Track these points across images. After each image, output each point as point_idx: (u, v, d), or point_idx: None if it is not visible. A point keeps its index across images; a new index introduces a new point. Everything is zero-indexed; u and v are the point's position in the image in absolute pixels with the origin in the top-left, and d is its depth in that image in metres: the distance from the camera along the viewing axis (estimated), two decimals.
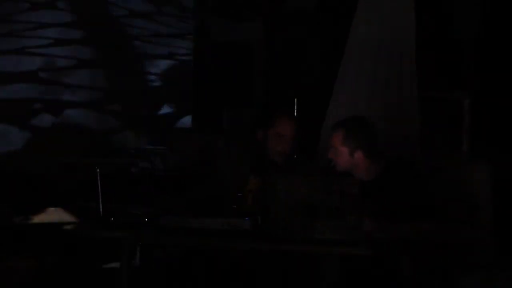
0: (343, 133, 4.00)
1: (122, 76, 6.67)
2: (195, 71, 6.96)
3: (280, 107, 4.86)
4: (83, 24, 6.41)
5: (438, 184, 4.94)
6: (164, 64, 6.96)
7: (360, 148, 3.98)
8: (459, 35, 6.12)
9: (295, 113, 5.78)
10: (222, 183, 4.41)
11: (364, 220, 3.60)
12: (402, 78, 5.01)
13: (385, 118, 4.94)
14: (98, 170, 3.98)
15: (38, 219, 4.84)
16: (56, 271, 4.58)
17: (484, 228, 4.72)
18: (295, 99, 5.82)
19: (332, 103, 5.12)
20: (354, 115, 4.43)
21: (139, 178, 5.44)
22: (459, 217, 4.79)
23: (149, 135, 6.62)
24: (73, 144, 6.09)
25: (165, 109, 6.95)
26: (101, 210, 3.94)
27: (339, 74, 5.13)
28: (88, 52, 6.46)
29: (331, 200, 3.55)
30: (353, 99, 5.07)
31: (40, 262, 4.59)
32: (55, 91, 6.27)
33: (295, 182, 3.62)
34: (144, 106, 6.79)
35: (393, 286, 3.76)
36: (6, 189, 5.29)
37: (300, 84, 6.25)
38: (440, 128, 5.59)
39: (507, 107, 5.75)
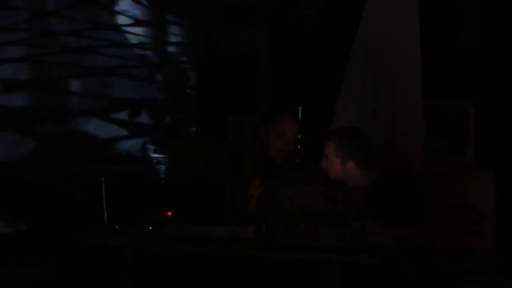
0: (335, 144, 4.04)
1: (127, 85, 6.68)
2: (199, 79, 6.97)
3: (283, 107, 4.92)
4: (88, 32, 6.42)
5: (442, 191, 4.95)
6: (168, 72, 6.96)
7: (351, 159, 4.03)
8: (463, 42, 6.12)
9: (299, 119, 5.79)
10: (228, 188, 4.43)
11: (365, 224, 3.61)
12: (406, 85, 5.00)
13: (389, 125, 4.95)
14: (102, 178, 3.99)
15: (43, 226, 4.84)
16: (60, 279, 4.58)
17: (488, 235, 4.72)
18: (300, 107, 5.82)
19: (337, 111, 5.12)
20: (346, 125, 4.47)
21: (143, 186, 5.44)
22: (464, 224, 4.79)
23: (154, 143, 6.62)
24: (78, 152, 6.10)
25: (170, 117, 6.96)
26: (105, 217, 3.95)
27: (344, 81, 5.13)
28: (92, 60, 6.47)
29: (334, 208, 3.56)
30: (357, 107, 5.07)
31: (44, 270, 4.59)
32: (60, 99, 6.27)
33: (298, 190, 3.63)
34: (149, 114, 6.79)
35: None
36: (11, 196, 5.30)
37: (305, 92, 6.26)
38: (445, 136, 5.59)
39: None
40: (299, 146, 4.58)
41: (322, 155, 4.10)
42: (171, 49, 6.97)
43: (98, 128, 6.44)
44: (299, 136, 4.54)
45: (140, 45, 6.77)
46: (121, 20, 6.64)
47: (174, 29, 6.96)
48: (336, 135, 4.11)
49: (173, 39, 6.96)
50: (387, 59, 5.04)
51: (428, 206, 4.06)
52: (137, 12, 6.72)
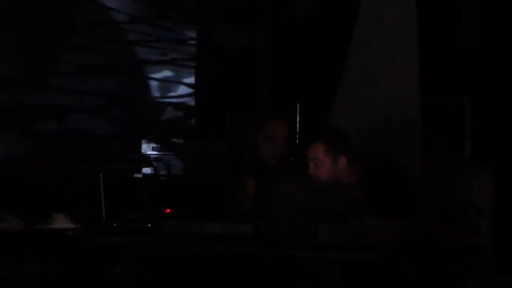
0: (324, 144, 4.06)
1: (125, 82, 6.68)
2: (197, 77, 6.97)
3: (271, 111, 4.96)
4: (85, 30, 6.42)
5: (440, 188, 4.95)
6: (166, 69, 6.96)
7: (343, 155, 4.04)
8: (460, 39, 6.12)
9: (297, 118, 5.79)
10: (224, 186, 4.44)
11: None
12: (404, 82, 5.01)
13: (387, 122, 4.95)
14: (101, 176, 3.99)
15: (42, 225, 4.84)
16: (59, 277, 4.58)
17: (486, 231, 4.72)
18: (297, 104, 5.83)
19: (336, 108, 5.13)
20: (327, 127, 4.50)
21: (141, 184, 5.45)
22: (462, 220, 4.79)
23: (152, 141, 6.62)
24: (76, 150, 6.09)
25: (168, 115, 6.96)
26: (104, 215, 3.94)
27: (341, 79, 5.13)
28: (91, 58, 6.46)
29: (333, 205, 3.56)
30: (355, 105, 5.08)
31: (44, 268, 4.59)
32: (58, 97, 6.27)
33: (296, 188, 3.63)
34: (147, 112, 6.79)
35: None
36: (10, 195, 5.30)
37: (303, 90, 6.26)
38: (442, 133, 5.59)
39: (509, 111, 5.75)
40: (294, 145, 4.58)
41: (308, 162, 4.11)
42: (170, 46, 6.96)
43: (96, 125, 6.44)
44: (295, 136, 4.54)
45: (139, 43, 6.77)
46: (120, 17, 6.64)
47: (173, 27, 6.96)
48: (322, 136, 4.13)
49: (172, 37, 6.95)
50: (385, 57, 5.04)
51: (418, 198, 4.07)
52: (136, 9, 6.72)
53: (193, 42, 7.05)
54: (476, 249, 4.87)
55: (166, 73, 6.96)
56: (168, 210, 4.03)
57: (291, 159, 4.56)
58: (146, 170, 5.86)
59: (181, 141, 6.59)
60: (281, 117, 4.64)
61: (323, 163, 4.07)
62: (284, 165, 4.54)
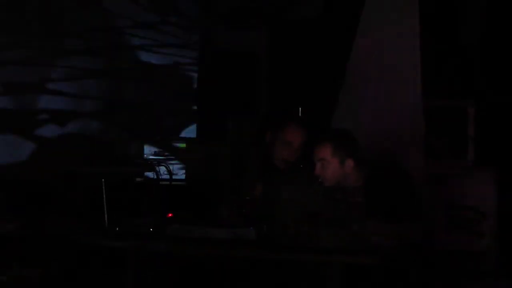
0: (333, 144, 4.06)
1: (127, 86, 6.68)
2: (199, 80, 6.97)
3: (290, 114, 4.88)
4: (87, 34, 6.42)
5: (443, 192, 4.96)
6: (168, 73, 6.96)
7: (350, 156, 4.04)
8: (463, 43, 6.12)
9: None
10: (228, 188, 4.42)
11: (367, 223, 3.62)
12: (406, 86, 5.01)
13: (390, 126, 4.95)
14: (103, 180, 3.99)
15: (43, 229, 4.84)
16: (60, 281, 4.58)
17: (489, 235, 4.72)
18: (299, 108, 5.82)
19: (337, 112, 5.13)
20: (334, 128, 4.50)
21: (144, 188, 5.45)
22: (464, 224, 4.80)
23: (154, 145, 6.63)
24: (78, 154, 6.10)
25: (170, 119, 6.96)
26: (106, 220, 3.95)
27: (344, 83, 5.13)
28: (93, 62, 6.47)
29: (336, 209, 3.56)
30: (358, 108, 5.08)
31: (45, 272, 4.59)
32: (60, 101, 6.28)
33: (299, 191, 3.63)
34: (149, 115, 6.79)
35: None
36: (12, 198, 5.30)
37: (305, 93, 6.26)
38: (445, 137, 5.59)
39: None
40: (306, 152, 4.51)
41: (315, 163, 4.10)
42: (171, 50, 6.96)
43: (98, 130, 6.44)
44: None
45: (140, 47, 6.77)
46: (121, 21, 6.64)
47: (175, 30, 6.96)
48: (330, 137, 4.14)
49: (174, 40, 6.95)
50: (388, 60, 5.05)
51: (421, 201, 4.07)
52: (137, 13, 6.72)
53: (195, 45, 7.05)
54: (479, 253, 4.88)
55: (168, 76, 6.96)
56: (170, 215, 4.03)
57: (301, 166, 4.48)
58: (148, 174, 5.85)
59: (183, 144, 6.59)
60: (299, 122, 4.57)
61: (330, 164, 4.06)
62: (294, 170, 4.47)
